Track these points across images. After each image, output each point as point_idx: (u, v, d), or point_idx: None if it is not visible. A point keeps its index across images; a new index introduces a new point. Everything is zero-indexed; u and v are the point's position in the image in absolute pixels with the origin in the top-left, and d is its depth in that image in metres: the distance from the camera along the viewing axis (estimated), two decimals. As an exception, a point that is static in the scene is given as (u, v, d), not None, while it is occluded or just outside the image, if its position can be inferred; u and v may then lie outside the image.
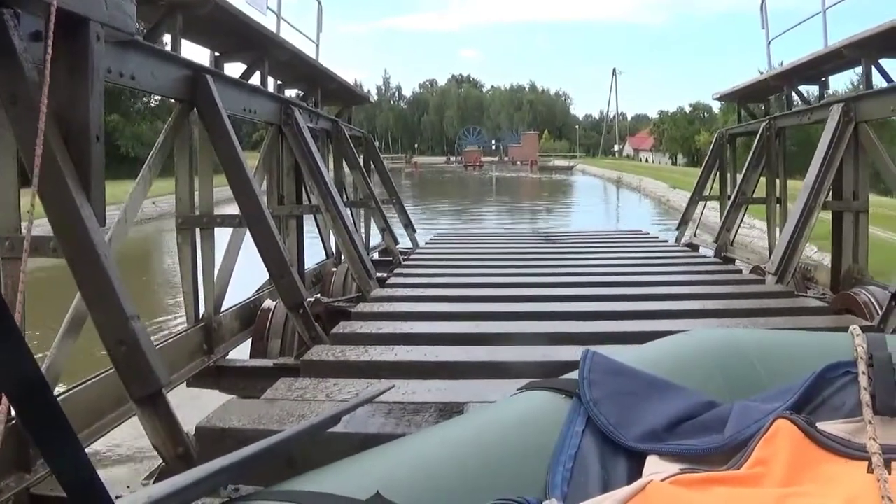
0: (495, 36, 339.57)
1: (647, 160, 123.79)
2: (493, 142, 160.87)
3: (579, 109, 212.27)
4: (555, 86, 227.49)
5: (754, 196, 13.48)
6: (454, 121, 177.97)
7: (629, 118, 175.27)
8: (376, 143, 17.27)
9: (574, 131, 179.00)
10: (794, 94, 12.40)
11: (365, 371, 5.88)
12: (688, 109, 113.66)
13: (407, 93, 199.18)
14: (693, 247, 15.11)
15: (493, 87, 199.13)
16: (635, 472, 1.58)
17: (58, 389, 5.16)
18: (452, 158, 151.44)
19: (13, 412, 4.29)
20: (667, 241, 15.85)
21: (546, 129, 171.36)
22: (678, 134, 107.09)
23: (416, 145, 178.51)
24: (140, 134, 59.10)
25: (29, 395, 1.12)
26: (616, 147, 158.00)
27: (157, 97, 47.22)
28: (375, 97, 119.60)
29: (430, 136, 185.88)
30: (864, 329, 1.82)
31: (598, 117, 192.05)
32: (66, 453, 1.16)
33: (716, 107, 70.72)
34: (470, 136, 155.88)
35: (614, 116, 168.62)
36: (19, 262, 3.96)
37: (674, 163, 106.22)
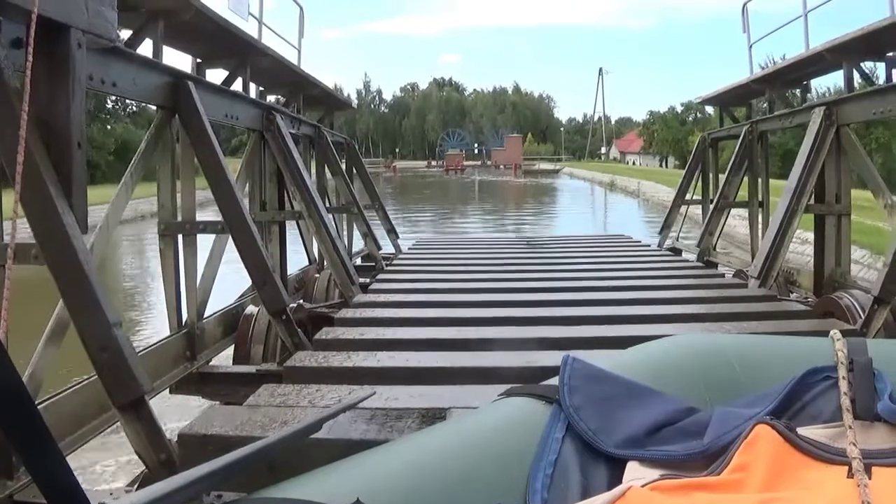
0: (477, 40, 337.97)
1: (633, 163, 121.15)
2: (476, 145, 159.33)
3: (563, 113, 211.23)
4: (538, 89, 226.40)
5: (737, 200, 13.53)
6: (436, 125, 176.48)
7: (613, 122, 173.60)
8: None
9: (559, 134, 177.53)
10: (776, 97, 12.44)
11: (347, 377, 5.88)
12: (679, 110, 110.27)
13: (387, 97, 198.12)
14: (676, 251, 15.14)
15: (475, 90, 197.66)
16: (615, 479, 1.58)
17: (40, 396, 5.14)
18: (434, 163, 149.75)
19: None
20: (649, 246, 15.87)
21: (530, 132, 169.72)
22: (670, 135, 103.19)
23: (396, 150, 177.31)
24: (89, 138, 58.86)
25: (9, 404, 1.12)
26: (603, 150, 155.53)
27: (112, 99, 46.94)
28: (355, 101, 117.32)
29: (412, 140, 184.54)
30: (846, 333, 1.83)
31: (581, 121, 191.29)
32: (47, 461, 1.16)
33: (709, 107, 68.51)
34: (452, 140, 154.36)
35: (600, 118, 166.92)
36: (2, 270, 3.96)
37: (665, 165, 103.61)
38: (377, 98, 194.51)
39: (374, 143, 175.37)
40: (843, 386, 1.61)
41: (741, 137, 12.71)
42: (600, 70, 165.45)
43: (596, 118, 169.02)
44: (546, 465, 1.60)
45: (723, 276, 11.91)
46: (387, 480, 1.55)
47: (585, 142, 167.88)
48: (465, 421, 1.92)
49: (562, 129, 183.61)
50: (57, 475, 1.18)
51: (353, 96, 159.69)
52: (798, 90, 12.72)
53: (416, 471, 1.59)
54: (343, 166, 14.35)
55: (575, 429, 1.69)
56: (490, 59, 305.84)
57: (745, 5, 13.63)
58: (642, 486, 1.43)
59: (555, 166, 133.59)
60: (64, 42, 4.45)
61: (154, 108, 7.21)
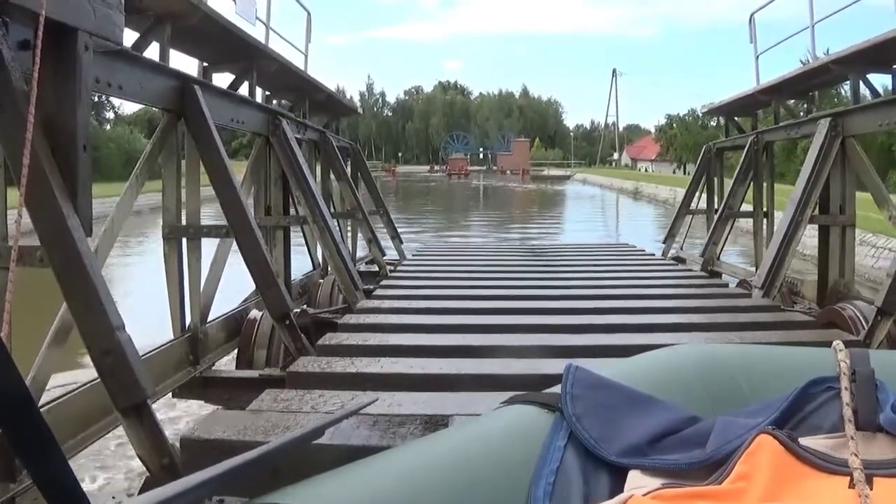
0: (480, 47, 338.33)
1: (646, 170, 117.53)
2: (481, 150, 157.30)
3: (570, 120, 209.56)
4: (546, 93, 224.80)
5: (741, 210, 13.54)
6: (440, 128, 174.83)
7: (622, 128, 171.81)
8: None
9: (568, 139, 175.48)
10: (781, 108, 12.45)
11: (351, 383, 5.89)
12: (700, 113, 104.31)
13: (391, 100, 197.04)
14: (680, 260, 15.13)
15: (481, 93, 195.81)
16: (617, 487, 1.58)
17: (43, 399, 5.14)
18: (436, 167, 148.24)
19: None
20: (654, 255, 15.87)
21: (537, 137, 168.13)
22: (691, 140, 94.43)
23: (399, 154, 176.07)
24: None
25: (13, 408, 1.12)
26: (615, 155, 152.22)
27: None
28: (358, 104, 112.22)
29: (415, 144, 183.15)
30: (848, 344, 1.83)
31: (589, 127, 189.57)
32: (50, 466, 1.16)
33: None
34: (456, 144, 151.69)
35: (614, 123, 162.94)
36: (5, 272, 3.96)
37: (684, 173, 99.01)
38: (380, 101, 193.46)
39: (376, 147, 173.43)
40: (846, 396, 1.61)
41: (746, 148, 12.73)
42: (614, 71, 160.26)
43: (609, 122, 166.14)
44: (548, 474, 1.60)
45: (727, 285, 11.91)
46: (389, 487, 1.55)
47: (592, 149, 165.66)
48: (468, 428, 1.92)
49: (570, 134, 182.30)
50: (60, 479, 1.18)
51: (356, 99, 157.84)
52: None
53: (419, 477, 1.59)
54: (348, 171, 14.36)
55: (577, 437, 1.70)
56: (492, 65, 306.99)
57: (752, 15, 13.64)
58: (644, 494, 1.43)
59: (565, 172, 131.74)
60: (71, 45, 4.46)
61: (158, 110, 7.22)
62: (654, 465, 1.59)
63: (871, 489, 1.33)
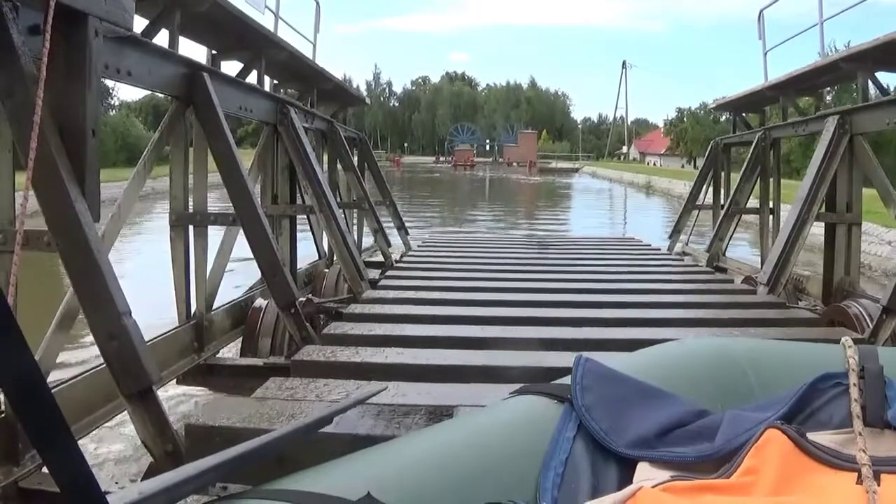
0: (486, 40, 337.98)
1: (654, 164, 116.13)
2: (488, 141, 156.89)
3: (577, 113, 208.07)
4: (553, 86, 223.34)
5: (748, 206, 13.52)
6: (446, 119, 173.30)
7: (630, 122, 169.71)
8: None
9: (576, 132, 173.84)
10: (790, 104, 12.42)
11: (355, 372, 5.86)
12: (712, 107, 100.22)
13: (398, 90, 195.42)
14: (686, 255, 15.10)
15: (488, 84, 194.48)
16: (626, 479, 1.58)
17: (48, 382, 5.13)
18: (442, 158, 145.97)
19: (2, 406, 4.32)
20: (659, 249, 15.80)
21: (545, 129, 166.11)
22: (702, 135, 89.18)
23: (405, 144, 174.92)
24: None
25: (26, 391, 1.12)
26: (624, 149, 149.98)
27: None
28: (365, 93, 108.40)
29: (421, 134, 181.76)
30: (854, 341, 1.83)
31: (596, 121, 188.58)
32: (61, 449, 1.16)
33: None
34: (462, 135, 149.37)
35: (622, 116, 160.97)
36: (12, 254, 3.96)
37: (694, 167, 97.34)
38: (387, 91, 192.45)
39: (382, 137, 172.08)
40: (854, 393, 1.61)
41: (754, 144, 12.70)
42: (624, 63, 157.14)
43: (618, 115, 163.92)
44: (557, 464, 1.61)
45: (732, 281, 11.85)
46: (396, 476, 1.55)
47: (600, 142, 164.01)
48: (475, 418, 1.92)
49: (578, 126, 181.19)
50: (71, 463, 1.18)
51: (363, 88, 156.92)
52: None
53: (428, 466, 1.59)
54: (355, 161, 14.34)
55: (586, 428, 1.70)
56: (499, 59, 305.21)
57: (761, 11, 13.62)
58: (653, 486, 1.43)
59: (574, 164, 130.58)
60: (81, 30, 4.45)
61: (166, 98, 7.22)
62: (662, 458, 1.60)
63: (879, 485, 1.33)
